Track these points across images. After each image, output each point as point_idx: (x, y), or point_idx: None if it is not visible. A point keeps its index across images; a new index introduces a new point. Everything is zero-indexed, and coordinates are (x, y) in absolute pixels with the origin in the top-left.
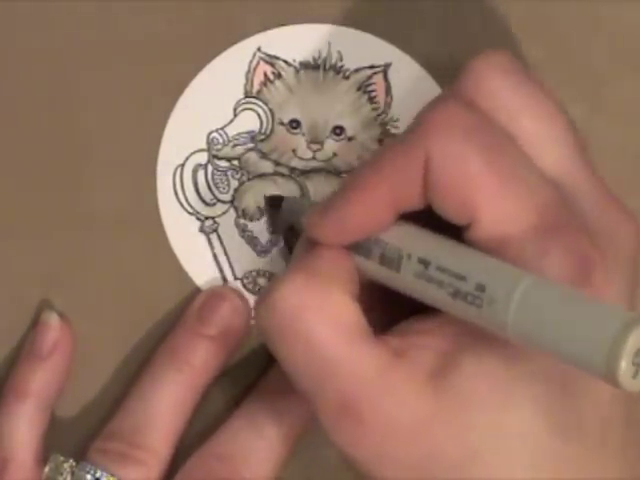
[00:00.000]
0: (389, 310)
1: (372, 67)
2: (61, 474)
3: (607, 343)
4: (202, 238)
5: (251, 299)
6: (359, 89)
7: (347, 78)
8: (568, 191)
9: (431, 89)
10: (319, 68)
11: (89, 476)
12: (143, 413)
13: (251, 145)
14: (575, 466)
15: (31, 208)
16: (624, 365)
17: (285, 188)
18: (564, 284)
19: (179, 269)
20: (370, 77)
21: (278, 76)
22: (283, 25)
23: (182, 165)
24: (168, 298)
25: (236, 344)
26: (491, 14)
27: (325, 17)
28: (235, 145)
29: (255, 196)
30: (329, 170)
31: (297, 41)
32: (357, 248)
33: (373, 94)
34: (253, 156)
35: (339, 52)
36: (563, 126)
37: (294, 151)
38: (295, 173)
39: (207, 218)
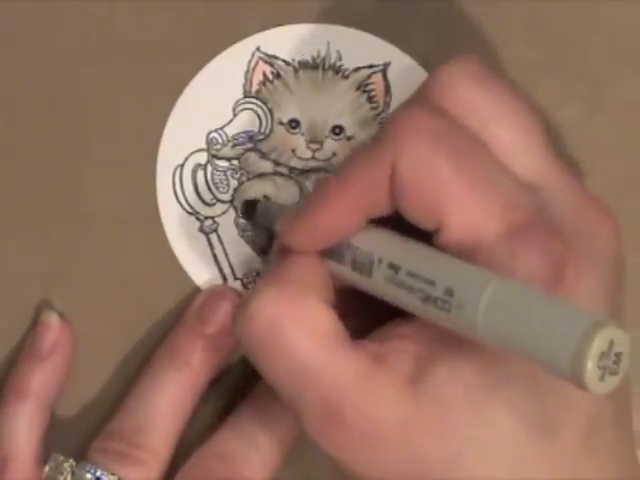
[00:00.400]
0: (364, 315)
1: (371, 66)
2: (61, 473)
3: (573, 345)
4: (202, 238)
5: None
6: (358, 88)
7: (346, 77)
8: (542, 195)
9: None
10: (318, 68)
11: (89, 475)
12: (143, 413)
13: (250, 145)
14: (556, 466)
15: (31, 208)
16: (590, 367)
17: (284, 188)
18: (532, 286)
19: (179, 269)
20: (369, 76)
21: (277, 76)
22: (282, 25)
23: (182, 165)
24: (168, 298)
25: (236, 343)
26: (491, 14)
27: (324, 17)
28: (234, 145)
29: (255, 196)
30: (328, 170)
31: (296, 41)
32: (330, 253)
33: (372, 93)
34: (252, 156)
35: (338, 51)
36: (535, 131)
37: (293, 151)
38: (294, 173)
39: (207, 218)
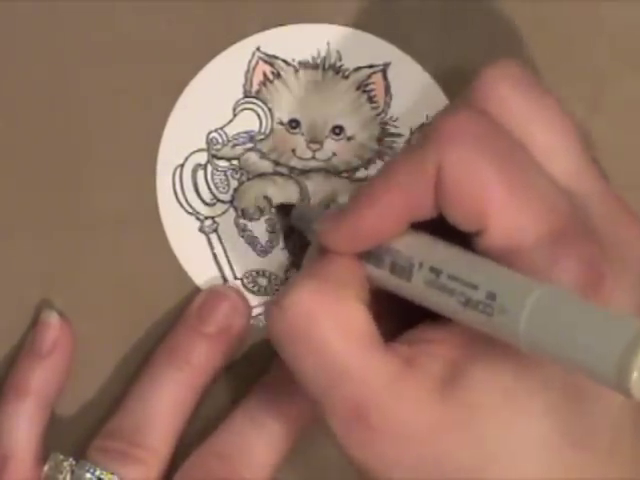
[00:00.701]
0: (397, 318)
1: (371, 66)
2: (60, 472)
3: (618, 353)
4: (202, 238)
5: (251, 299)
6: (358, 88)
7: (346, 77)
8: (579, 201)
9: (430, 89)
10: (318, 68)
11: (89, 475)
12: (143, 412)
13: (250, 145)
14: (585, 473)
15: (31, 208)
16: (636, 376)
17: (284, 188)
18: (575, 293)
19: (179, 269)
20: (369, 76)
21: (277, 76)
22: (282, 25)
23: (182, 165)
24: (168, 298)
25: (236, 343)
26: (491, 14)
27: (324, 17)
28: (234, 145)
29: (255, 196)
30: (328, 170)
31: (296, 41)
32: (368, 256)
33: (372, 93)
34: (252, 156)
35: (338, 52)
36: (573, 137)
37: (293, 151)
38: (294, 173)
39: (207, 218)
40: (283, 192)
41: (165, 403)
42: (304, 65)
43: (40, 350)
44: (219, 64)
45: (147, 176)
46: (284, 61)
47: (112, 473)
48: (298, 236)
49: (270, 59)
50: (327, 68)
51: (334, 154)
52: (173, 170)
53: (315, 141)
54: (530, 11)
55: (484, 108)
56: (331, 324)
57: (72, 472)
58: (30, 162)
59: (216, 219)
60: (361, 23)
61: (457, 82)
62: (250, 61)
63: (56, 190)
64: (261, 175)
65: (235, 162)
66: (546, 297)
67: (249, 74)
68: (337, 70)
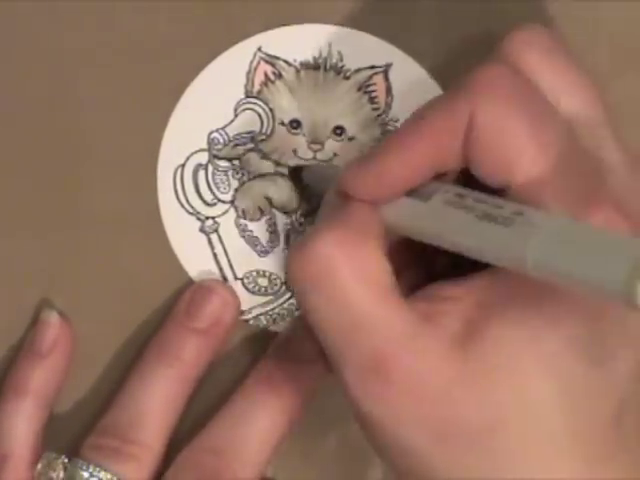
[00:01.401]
0: (413, 275)
1: (373, 67)
2: (54, 470)
3: (625, 267)
4: (202, 238)
5: (252, 299)
6: (359, 89)
7: (347, 78)
8: (604, 168)
9: (432, 89)
10: (320, 68)
11: (82, 472)
12: (135, 409)
13: (251, 145)
14: (592, 446)
15: (31, 208)
16: None
17: (285, 188)
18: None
19: (179, 269)
20: (371, 77)
21: (279, 76)
22: (284, 25)
23: (183, 165)
24: (168, 298)
25: (225, 337)
26: (491, 14)
27: (326, 17)
28: (236, 145)
29: (256, 196)
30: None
31: (298, 41)
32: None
33: (374, 94)
34: (254, 156)
35: (339, 52)
36: (597, 103)
37: (295, 151)
38: None
39: (207, 218)
40: (284, 193)
41: (157, 399)
42: (305, 66)
43: (40, 349)
44: (220, 64)
45: (147, 176)
46: (285, 61)
47: (106, 470)
48: (314, 197)
49: (271, 59)
50: (328, 69)
51: (335, 155)
52: (174, 170)
53: (316, 142)
54: (530, 11)
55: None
56: (351, 271)
57: (65, 469)
58: (30, 162)
59: (217, 219)
60: (362, 24)
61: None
62: (251, 61)
63: (56, 190)
64: (262, 175)
65: (236, 162)
66: (566, 224)
67: (250, 74)
68: (338, 71)
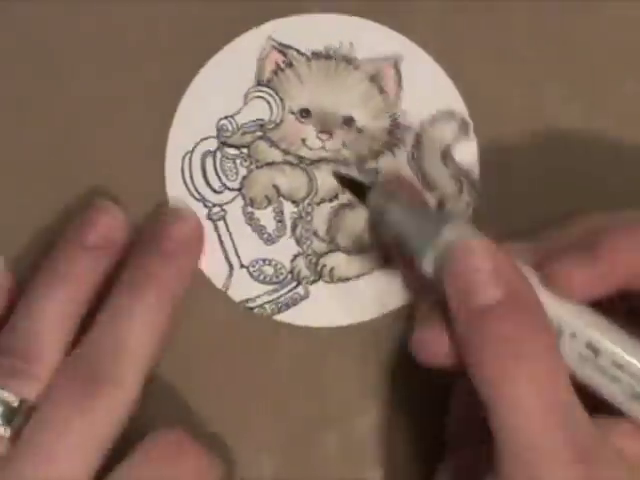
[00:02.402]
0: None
1: (384, 58)
2: None
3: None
4: (209, 225)
5: (257, 287)
6: (370, 80)
7: (358, 68)
8: None
9: (442, 81)
10: (331, 58)
11: None
12: (30, 328)
13: (260, 133)
14: None
15: (31, 208)
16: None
17: (293, 177)
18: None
19: None
20: (381, 68)
21: (289, 65)
22: (295, 14)
23: (191, 152)
24: None
25: (115, 257)
26: (491, 14)
27: (337, 7)
28: (244, 133)
29: (263, 184)
30: (338, 160)
31: (309, 30)
32: None
33: (384, 85)
34: (262, 144)
35: (351, 43)
36: None
37: (303, 140)
38: (304, 162)
39: (215, 205)
40: (292, 181)
41: (51, 317)
42: (316, 55)
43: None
44: (231, 51)
45: (154, 166)
46: (297, 50)
47: (5, 389)
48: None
49: (283, 48)
50: (339, 59)
51: (344, 145)
52: (182, 156)
53: (325, 131)
54: (530, 11)
55: None
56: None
57: None
58: (30, 162)
59: (224, 207)
60: (374, 14)
61: (467, 76)
62: (263, 49)
63: (56, 190)
64: (270, 164)
65: (245, 150)
66: None
67: (261, 62)
68: (349, 61)
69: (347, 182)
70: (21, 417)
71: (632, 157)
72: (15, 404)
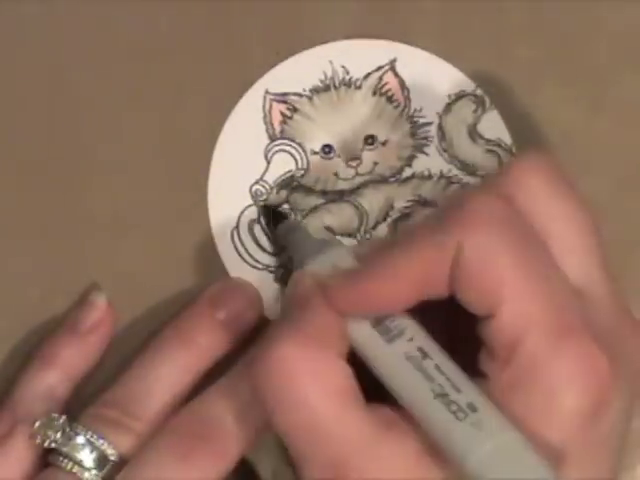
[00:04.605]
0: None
1: (379, 68)
2: (52, 429)
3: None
4: (280, 287)
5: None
6: (375, 93)
7: (360, 87)
8: (588, 300)
9: (442, 67)
10: (330, 88)
11: (79, 437)
12: (141, 385)
13: (294, 184)
14: None
15: (31, 208)
16: None
17: (340, 213)
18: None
19: (180, 270)
20: (381, 78)
21: (294, 110)
22: (279, 53)
23: (237, 227)
24: (169, 299)
25: (240, 335)
26: (491, 14)
27: (337, 7)
28: (279, 190)
29: (316, 231)
30: (375, 180)
31: (300, 70)
32: None
33: (390, 93)
34: (299, 195)
35: (343, 66)
36: (592, 239)
37: (336, 175)
38: (345, 195)
39: (279, 267)
40: (341, 217)
41: (163, 381)
42: (316, 90)
43: (79, 328)
44: (236, 118)
45: (147, 176)
46: (296, 94)
47: (102, 438)
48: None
49: (282, 97)
50: (338, 85)
51: (375, 163)
52: (230, 235)
53: (352, 158)
54: (530, 11)
55: (511, 196)
56: (311, 381)
57: (63, 431)
58: (30, 162)
59: (288, 265)
60: (356, 31)
61: (463, 55)
62: (264, 106)
63: (56, 190)
64: (314, 209)
65: (286, 206)
66: (509, 441)
67: (267, 118)
68: (348, 84)
69: (267, 210)
70: (112, 466)
71: (632, 157)
72: (109, 452)
